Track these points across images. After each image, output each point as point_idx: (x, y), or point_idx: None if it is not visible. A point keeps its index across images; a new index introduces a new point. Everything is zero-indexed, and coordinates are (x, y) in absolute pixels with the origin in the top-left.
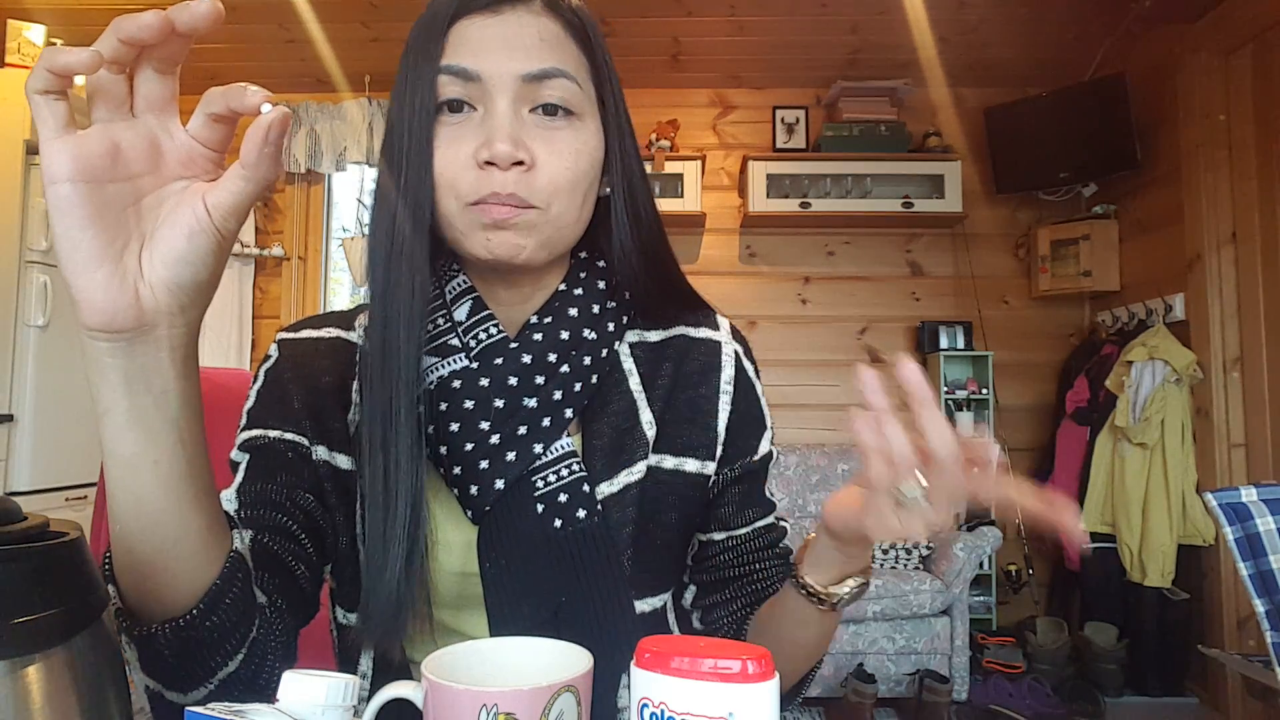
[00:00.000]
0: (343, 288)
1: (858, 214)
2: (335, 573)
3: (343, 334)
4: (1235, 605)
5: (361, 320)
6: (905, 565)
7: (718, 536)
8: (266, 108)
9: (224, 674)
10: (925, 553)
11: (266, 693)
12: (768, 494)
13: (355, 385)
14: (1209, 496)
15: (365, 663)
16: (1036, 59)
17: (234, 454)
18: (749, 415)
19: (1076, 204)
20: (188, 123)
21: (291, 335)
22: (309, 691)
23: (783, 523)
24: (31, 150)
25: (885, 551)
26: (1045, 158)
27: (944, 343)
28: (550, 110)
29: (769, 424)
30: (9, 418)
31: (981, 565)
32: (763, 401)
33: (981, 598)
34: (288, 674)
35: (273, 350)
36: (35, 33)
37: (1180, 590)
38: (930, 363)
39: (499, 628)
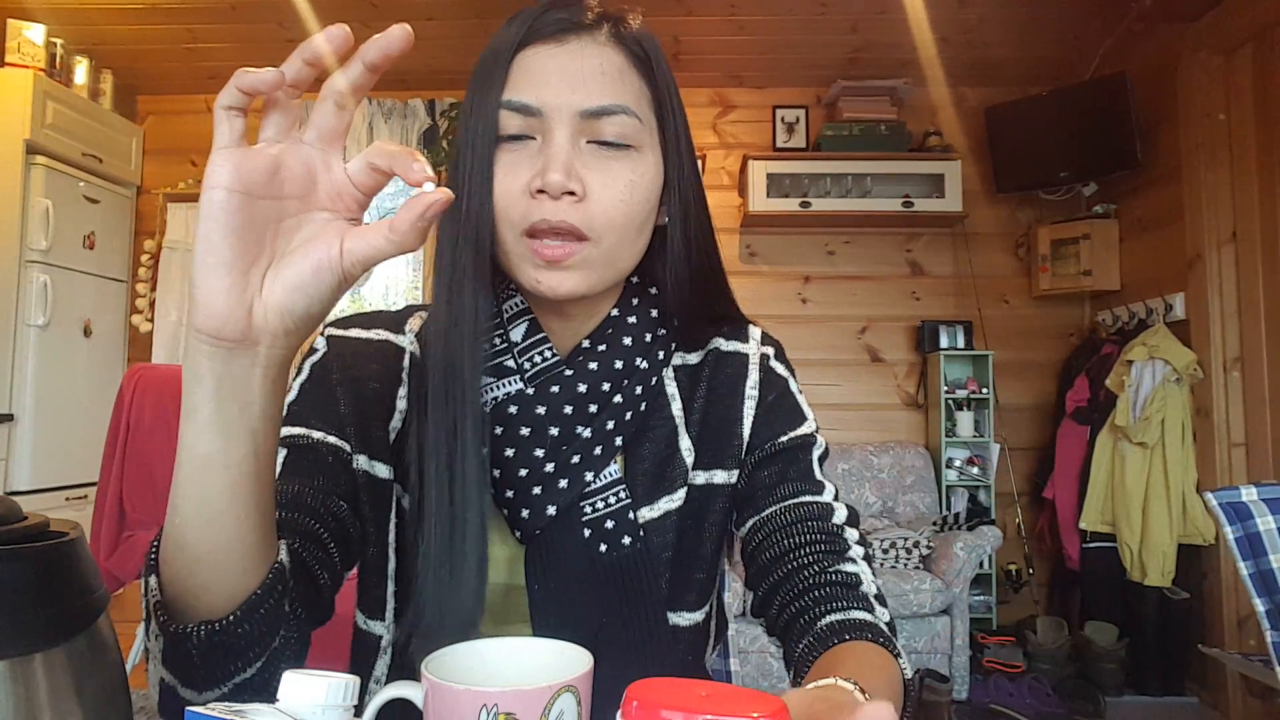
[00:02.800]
0: None
1: (858, 213)
2: (362, 580)
3: (391, 337)
4: (1235, 605)
5: (412, 324)
6: (905, 565)
7: (750, 523)
8: (429, 186)
9: (240, 679)
10: (925, 552)
11: (269, 695)
12: (817, 476)
13: (401, 392)
14: (1209, 496)
15: (381, 667)
16: (1036, 59)
17: None
18: (779, 406)
19: (1077, 203)
20: (346, 161)
21: (340, 332)
22: (309, 691)
23: (836, 502)
24: (31, 150)
25: (885, 551)
26: (1045, 157)
27: (944, 342)
28: (607, 142)
29: (808, 416)
30: (9, 418)
31: (982, 565)
32: (797, 397)
33: (982, 597)
34: (288, 674)
35: (319, 344)
36: (35, 32)
37: (1180, 590)
38: (930, 362)
39: None
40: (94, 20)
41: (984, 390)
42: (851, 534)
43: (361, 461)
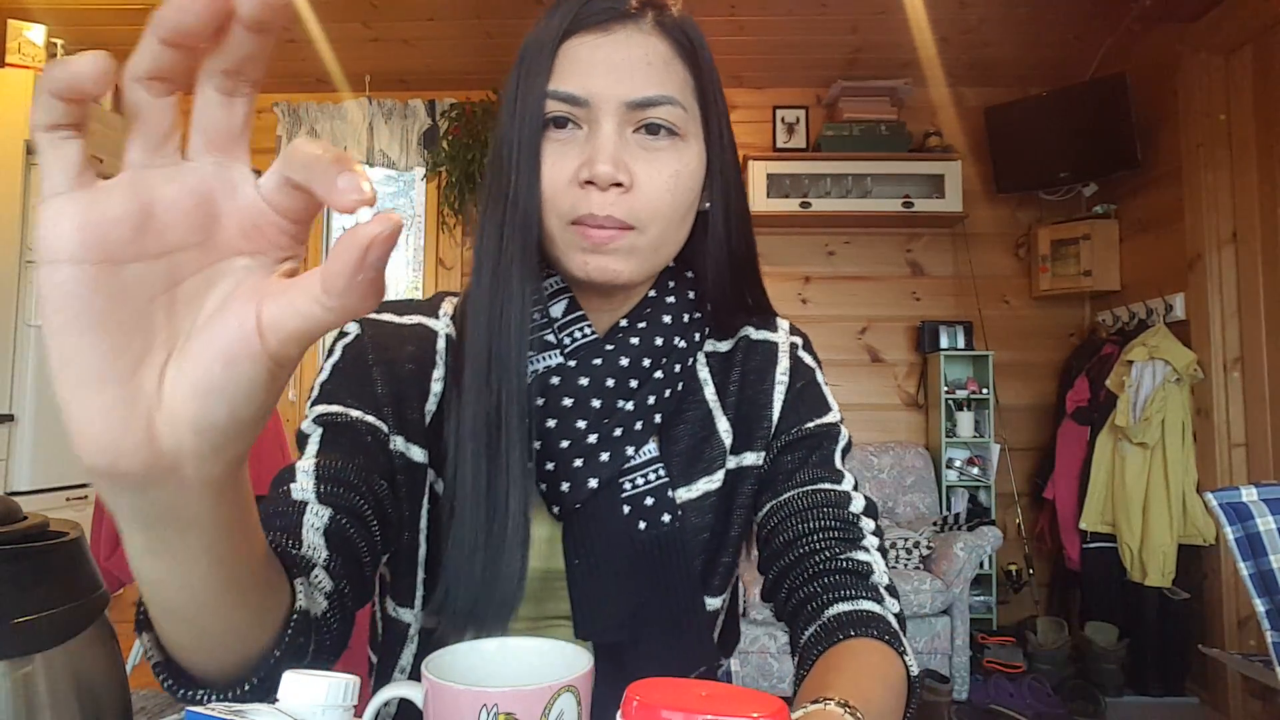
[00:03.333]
0: None
1: (858, 214)
2: (391, 566)
3: (426, 321)
4: (1235, 605)
5: (446, 309)
6: (906, 565)
7: (767, 507)
8: (366, 213)
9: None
10: (926, 553)
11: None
12: (838, 465)
13: (436, 375)
14: (1209, 496)
15: (407, 655)
16: (1036, 59)
17: (305, 425)
18: (806, 394)
19: (1077, 204)
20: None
21: (373, 315)
22: (309, 691)
23: (855, 492)
24: (32, 151)
25: (882, 549)
26: (1045, 157)
27: (944, 342)
28: (653, 130)
29: (832, 407)
30: (9, 418)
31: (982, 565)
32: (823, 388)
33: (982, 597)
34: (288, 674)
35: (352, 327)
36: (35, 33)
37: (1180, 590)
38: (930, 362)
39: (583, 624)
40: (94, 20)
41: (984, 390)
42: (867, 524)
43: (398, 444)
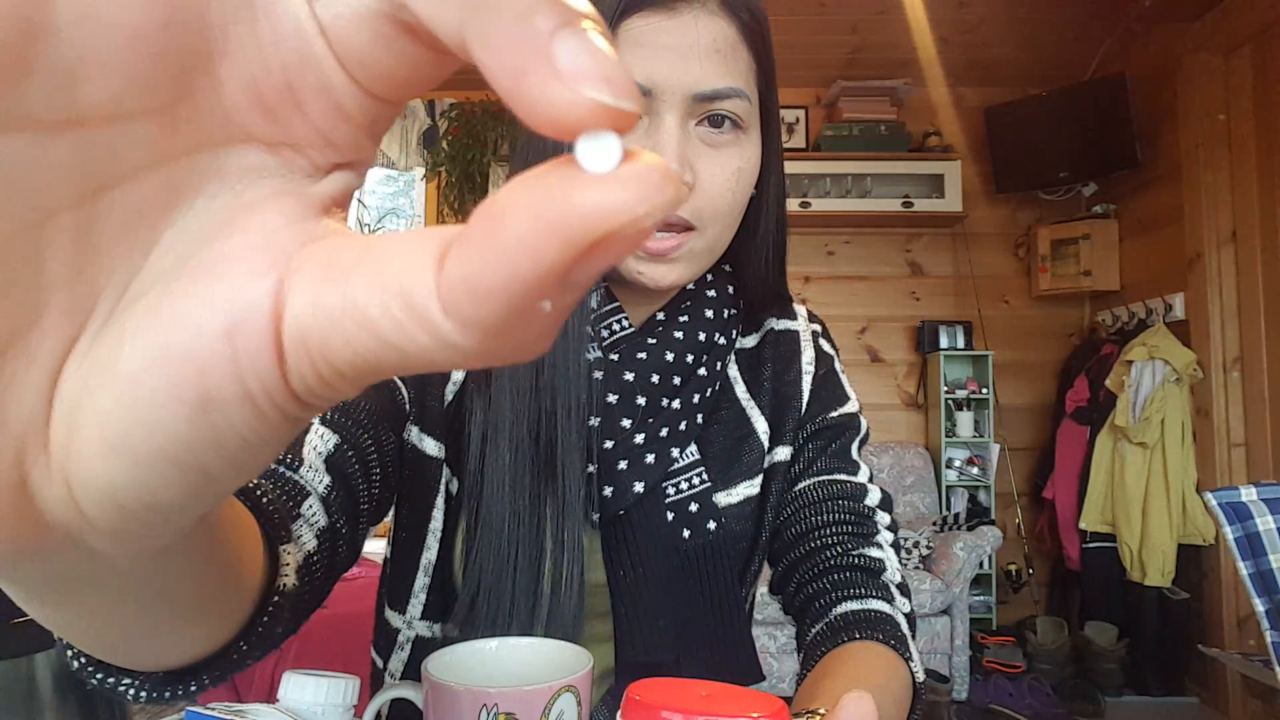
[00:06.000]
0: None
1: (858, 214)
2: (393, 567)
3: None
4: (1235, 605)
5: None
6: (905, 565)
7: (785, 497)
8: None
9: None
10: (925, 552)
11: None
12: (854, 456)
13: (454, 372)
14: (1209, 496)
15: (396, 662)
16: (1036, 59)
17: None
18: (828, 382)
19: (1076, 204)
20: None
21: None
22: (309, 691)
23: (871, 484)
24: None
25: (896, 544)
26: (1045, 157)
27: (944, 342)
28: (717, 122)
29: (851, 396)
30: None
31: (981, 565)
32: (842, 377)
33: (981, 597)
34: (288, 674)
35: None
36: None
37: (1180, 590)
38: (930, 362)
39: (627, 644)
40: None
41: (984, 390)
42: (883, 518)
43: (412, 433)
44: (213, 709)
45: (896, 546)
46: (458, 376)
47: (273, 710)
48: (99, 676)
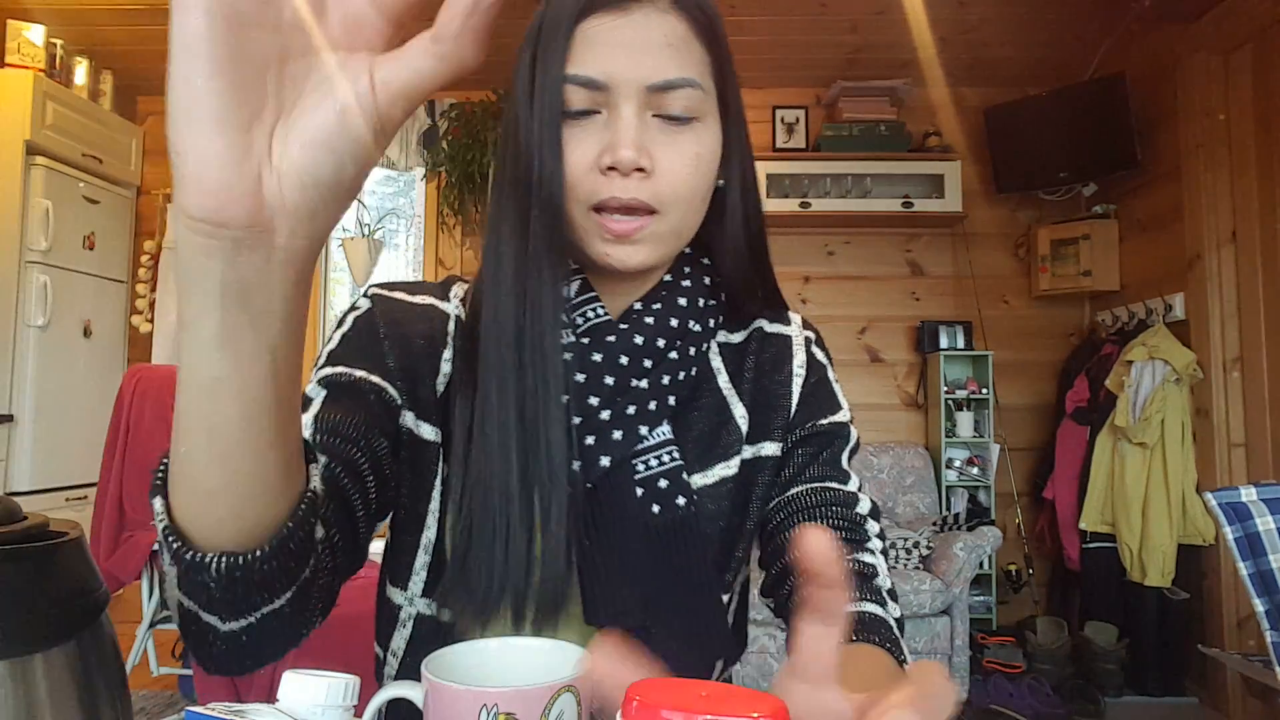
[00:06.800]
0: (343, 288)
1: (857, 214)
2: (393, 544)
3: (436, 302)
4: (1235, 605)
5: (457, 292)
6: (905, 565)
7: (773, 502)
8: None
9: (267, 610)
10: (925, 553)
11: (303, 631)
12: (844, 465)
13: (446, 355)
14: (1209, 496)
15: (399, 640)
16: (1036, 59)
17: (309, 389)
18: (819, 390)
19: (1076, 204)
20: None
21: (385, 293)
22: (309, 691)
23: (861, 494)
24: (31, 151)
25: (885, 551)
26: (1045, 157)
27: (944, 343)
28: (673, 115)
29: (844, 405)
30: (9, 418)
31: (981, 565)
32: (835, 386)
33: (981, 597)
34: (287, 674)
35: (362, 301)
36: (35, 33)
37: (1180, 590)
38: (930, 362)
39: (593, 609)
40: (94, 20)
41: (984, 390)
42: (873, 526)
43: (408, 420)
44: (212, 709)
45: (885, 554)
46: (446, 369)
47: (273, 710)
48: (180, 549)
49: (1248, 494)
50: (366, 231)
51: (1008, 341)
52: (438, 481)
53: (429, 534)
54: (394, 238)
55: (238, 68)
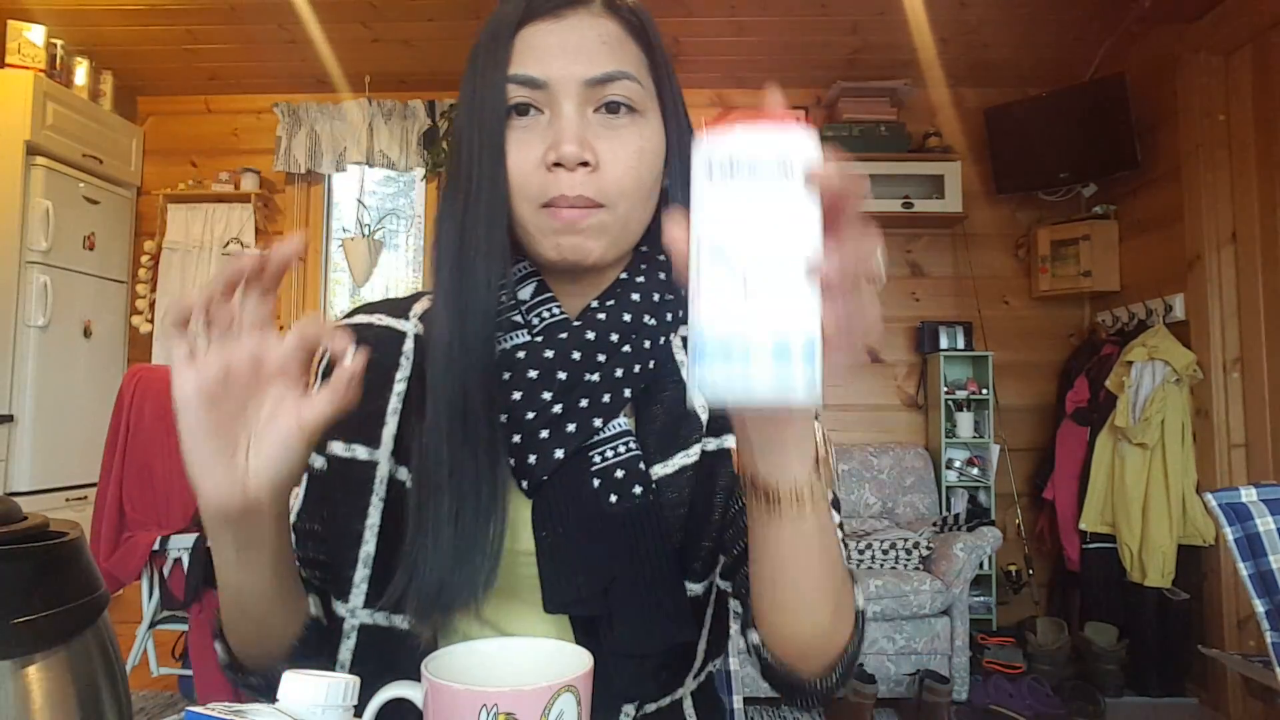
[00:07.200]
0: (343, 288)
1: None
2: (331, 559)
3: (391, 322)
4: (1235, 605)
5: (418, 309)
6: (905, 565)
7: (736, 490)
8: (349, 355)
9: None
10: (925, 553)
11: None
12: None
13: (399, 375)
14: (1209, 496)
15: (345, 652)
16: (1036, 59)
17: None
18: None
19: (1076, 204)
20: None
21: (343, 322)
22: (309, 691)
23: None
24: (31, 151)
25: (885, 552)
26: (1045, 158)
27: (944, 343)
28: (613, 108)
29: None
30: (9, 418)
31: (981, 565)
32: None
33: (981, 598)
34: (287, 674)
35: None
36: (35, 33)
37: (1180, 590)
38: (930, 363)
39: (551, 597)
40: (94, 21)
41: (984, 391)
42: (834, 517)
43: (336, 448)
44: (212, 709)
45: (844, 544)
46: (400, 388)
47: (272, 710)
48: (236, 677)
49: (1248, 494)
50: (366, 232)
51: (1008, 342)
52: (374, 499)
53: (367, 548)
54: (394, 238)
55: (219, 429)
